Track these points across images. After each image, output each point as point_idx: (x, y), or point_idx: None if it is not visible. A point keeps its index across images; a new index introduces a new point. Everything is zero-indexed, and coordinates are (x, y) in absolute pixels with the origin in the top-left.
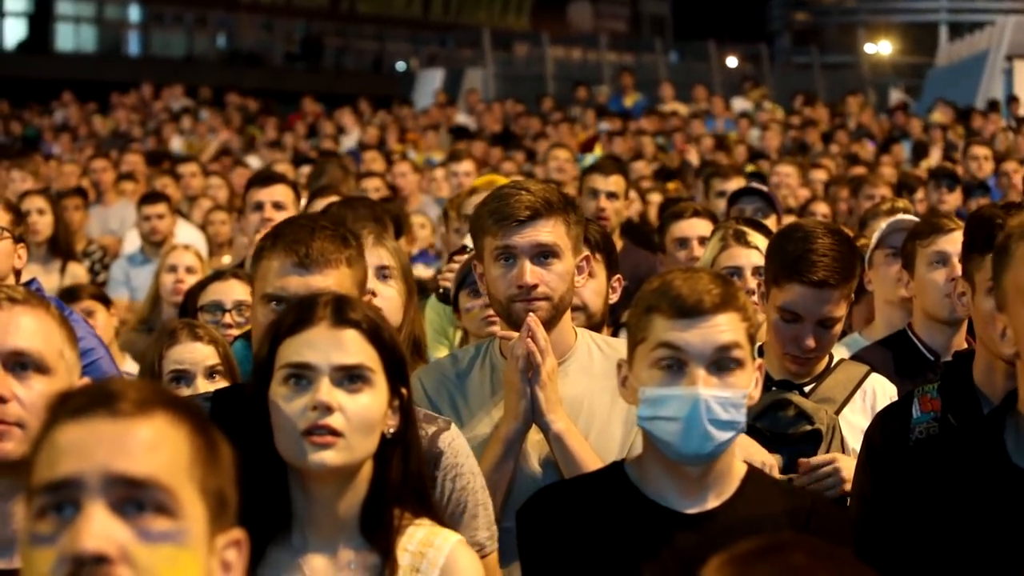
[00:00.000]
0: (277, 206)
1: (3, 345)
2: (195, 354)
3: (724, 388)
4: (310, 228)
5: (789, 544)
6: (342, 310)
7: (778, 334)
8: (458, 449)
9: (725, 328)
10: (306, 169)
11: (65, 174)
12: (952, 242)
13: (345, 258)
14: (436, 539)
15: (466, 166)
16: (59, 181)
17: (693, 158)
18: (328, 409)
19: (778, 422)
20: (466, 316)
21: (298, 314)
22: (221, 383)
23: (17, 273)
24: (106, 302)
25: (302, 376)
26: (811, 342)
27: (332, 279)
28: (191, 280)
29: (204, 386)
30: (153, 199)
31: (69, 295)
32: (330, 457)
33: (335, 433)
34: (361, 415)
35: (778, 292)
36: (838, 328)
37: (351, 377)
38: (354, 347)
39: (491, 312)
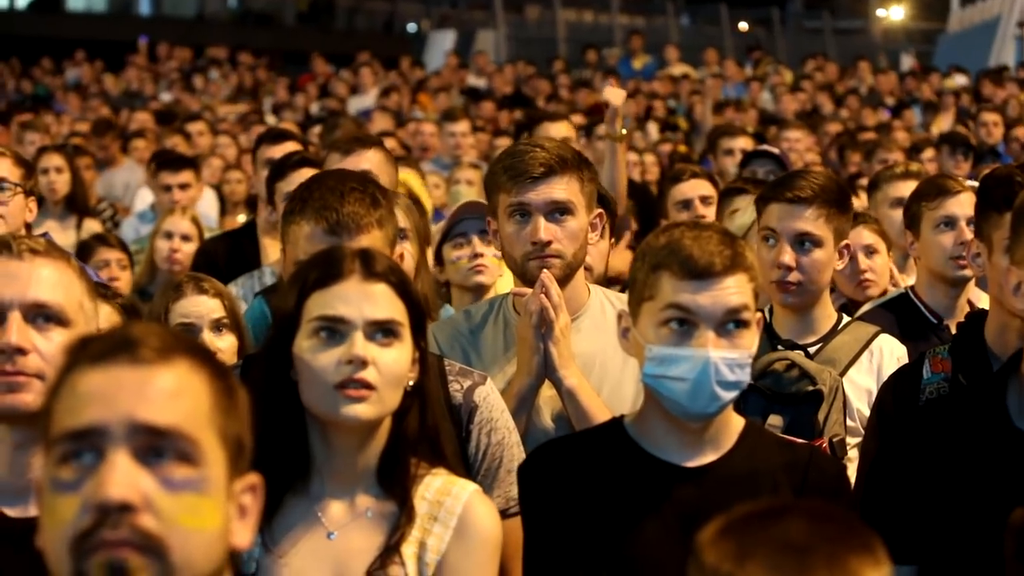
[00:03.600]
0: None
1: (24, 297)
2: (200, 307)
3: (732, 349)
4: (339, 192)
5: (787, 510)
6: (371, 264)
7: (762, 263)
8: (493, 404)
9: (735, 290)
10: (317, 129)
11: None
12: (960, 204)
13: (376, 220)
14: (453, 488)
15: (462, 126)
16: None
17: (705, 117)
18: (363, 363)
19: (780, 382)
20: (451, 267)
21: (325, 267)
22: (227, 336)
23: (27, 227)
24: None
25: (334, 330)
26: (788, 258)
27: (364, 243)
28: (187, 248)
29: (210, 339)
30: (176, 166)
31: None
32: (363, 410)
33: (369, 387)
34: (392, 369)
35: (761, 218)
36: (819, 254)
37: (384, 331)
38: (385, 301)
39: (479, 262)
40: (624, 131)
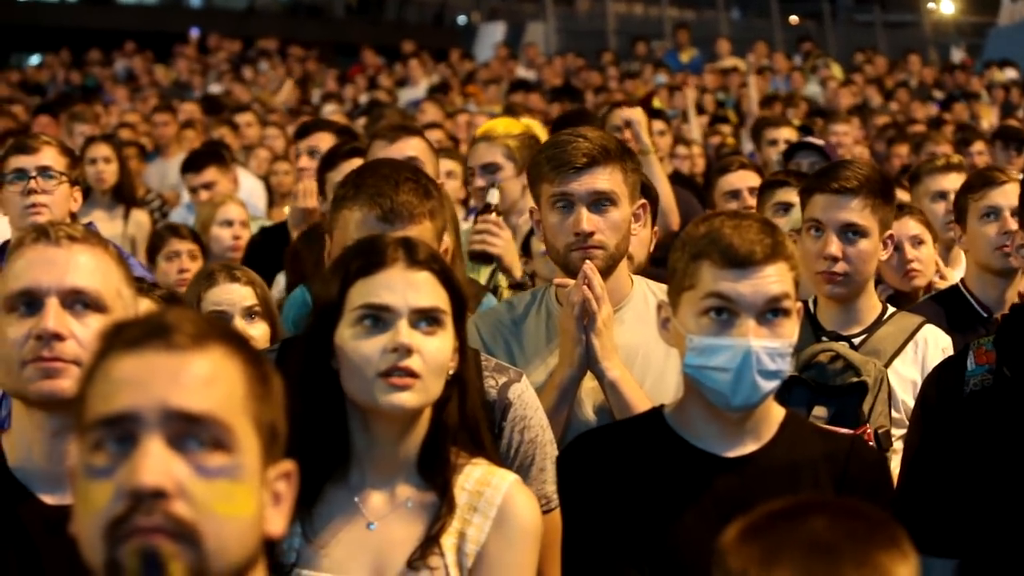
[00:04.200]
0: (315, 153)
1: (62, 283)
2: (233, 295)
3: (773, 339)
4: (393, 180)
5: (809, 508)
6: (414, 252)
7: (808, 254)
8: (527, 401)
9: (775, 279)
10: (362, 120)
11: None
12: (1004, 195)
13: (428, 210)
14: (493, 478)
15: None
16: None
17: (751, 110)
18: (408, 351)
19: (824, 373)
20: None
21: (368, 256)
22: (259, 324)
23: (73, 216)
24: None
25: (379, 318)
26: (835, 248)
27: (414, 233)
28: (246, 234)
29: (242, 327)
30: (198, 166)
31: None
32: (407, 399)
33: (413, 375)
34: (436, 357)
35: (805, 210)
36: (865, 244)
37: (428, 319)
38: (429, 289)
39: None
40: (651, 145)
